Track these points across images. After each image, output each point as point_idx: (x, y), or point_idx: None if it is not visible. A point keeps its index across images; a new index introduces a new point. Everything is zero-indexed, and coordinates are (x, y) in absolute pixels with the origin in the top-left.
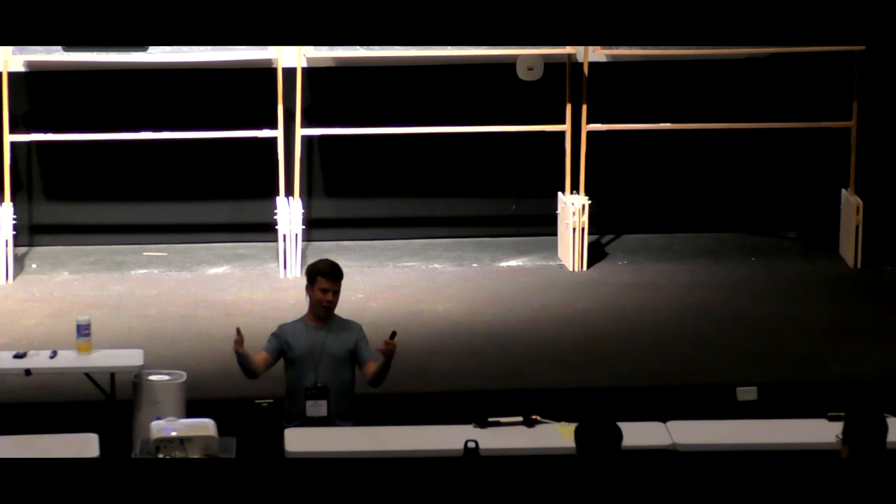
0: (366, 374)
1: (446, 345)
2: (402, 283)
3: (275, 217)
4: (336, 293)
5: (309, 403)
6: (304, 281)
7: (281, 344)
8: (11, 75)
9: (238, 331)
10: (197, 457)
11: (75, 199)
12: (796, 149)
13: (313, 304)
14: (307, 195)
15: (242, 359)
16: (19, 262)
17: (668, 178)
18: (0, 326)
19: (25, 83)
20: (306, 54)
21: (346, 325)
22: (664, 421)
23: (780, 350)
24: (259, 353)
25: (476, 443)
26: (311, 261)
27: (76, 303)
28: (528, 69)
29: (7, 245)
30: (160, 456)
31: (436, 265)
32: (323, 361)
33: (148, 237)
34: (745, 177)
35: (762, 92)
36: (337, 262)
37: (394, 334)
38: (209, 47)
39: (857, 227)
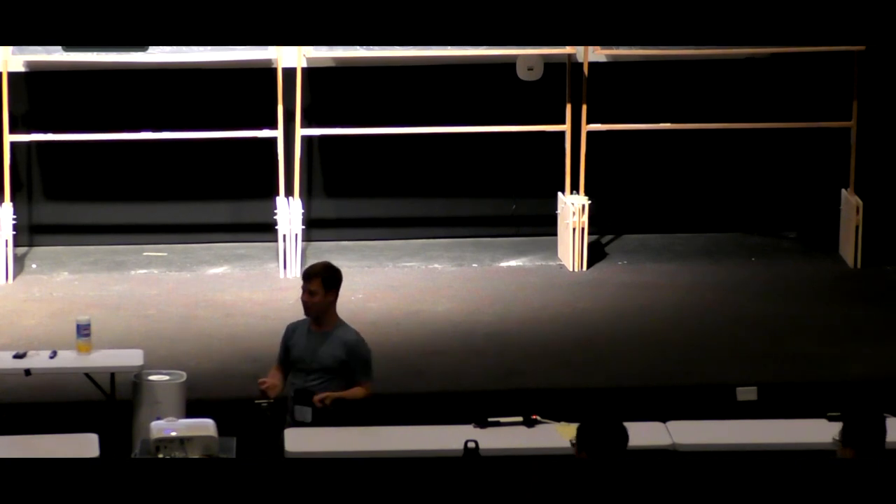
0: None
1: (446, 345)
2: (402, 283)
3: (275, 217)
4: (312, 293)
5: (296, 408)
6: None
7: (285, 344)
8: (11, 75)
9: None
10: (197, 457)
11: (75, 199)
12: (796, 149)
13: None
14: (307, 195)
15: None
16: (19, 262)
17: (668, 178)
18: (0, 326)
19: (25, 83)
20: (306, 54)
21: (344, 335)
22: (664, 421)
23: (780, 350)
24: (272, 370)
25: (476, 443)
26: (311, 261)
27: (76, 303)
28: (528, 69)
29: (7, 245)
30: (160, 456)
31: (435, 265)
32: (314, 367)
33: (148, 237)
34: (745, 177)
35: (762, 92)
36: (331, 262)
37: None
38: (209, 47)
39: (857, 227)
